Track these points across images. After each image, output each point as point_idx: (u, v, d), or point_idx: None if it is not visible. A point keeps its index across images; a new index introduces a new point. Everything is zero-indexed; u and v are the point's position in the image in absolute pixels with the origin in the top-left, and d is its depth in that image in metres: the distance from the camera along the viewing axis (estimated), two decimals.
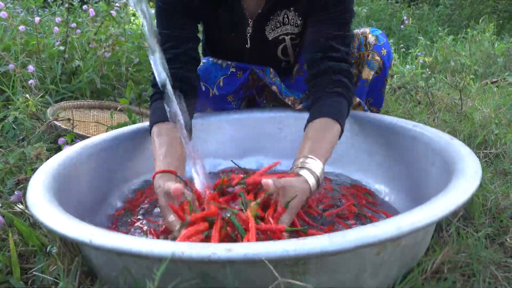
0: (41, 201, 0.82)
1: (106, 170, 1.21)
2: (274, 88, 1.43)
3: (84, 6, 2.96)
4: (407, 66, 2.55)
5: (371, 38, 1.41)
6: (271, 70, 1.44)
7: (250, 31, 1.34)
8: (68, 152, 1.13)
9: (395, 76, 2.56)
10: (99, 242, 0.67)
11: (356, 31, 1.45)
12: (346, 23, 1.22)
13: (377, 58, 1.40)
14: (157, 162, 1.01)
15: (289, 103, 1.44)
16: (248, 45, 1.37)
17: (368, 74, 1.42)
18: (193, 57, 1.26)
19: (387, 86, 2.31)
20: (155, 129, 1.12)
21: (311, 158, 0.98)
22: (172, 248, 0.63)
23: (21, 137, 1.46)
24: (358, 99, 1.43)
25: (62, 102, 1.98)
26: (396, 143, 1.24)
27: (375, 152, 1.30)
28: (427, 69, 2.55)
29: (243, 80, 1.44)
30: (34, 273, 0.85)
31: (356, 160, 1.34)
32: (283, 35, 1.35)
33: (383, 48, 1.41)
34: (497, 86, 2.57)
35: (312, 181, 0.94)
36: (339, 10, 1.20)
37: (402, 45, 3.57)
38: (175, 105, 0.96)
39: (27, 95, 1.70)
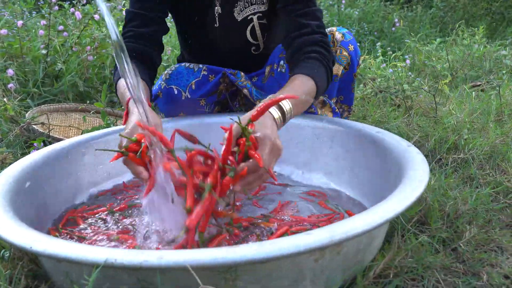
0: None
1: (73, 174, 1.23)
2: (245, 91, 1.46)
3: (72, 9, 2.98)
4: (390, 70, 2.56)
5: (338, 35, 1.44)
6: (242, 74, 1.47)
7: (218, 11, 1.40)
8: (34, 156, 1.15)
9: (378, 80, 2.58)
10: (39, 249, 0.69)
11: None
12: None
13: (345, 53, 1.44)
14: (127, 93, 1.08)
15: None
16: (216, 24, 1.42)
17: (337, 69, 1.45)
18: (157, 39, 1.33)
19: (368, 90, 2.34)
20: (120, 82, 1.18)
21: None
22: (106, 255, 0.64)
23: None
24: (322, 97, 1.45)
25: (42, 106, 2.00)
26: (361, 149, 1.26)
27: (341, 157, 1.32)
28: (410, 73, 2.57)
29: (214, 83, 1.47)
30: None
31: (322, 165, 1.35)
32: (251, 14, 1.41)
33: (350, 44, 1.45)
34: (481, 90, 2.59)
35: (276, 114, 1.00)
36: None
37: (389, 48, 3.58)
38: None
39: (5, 99, 1.72)
